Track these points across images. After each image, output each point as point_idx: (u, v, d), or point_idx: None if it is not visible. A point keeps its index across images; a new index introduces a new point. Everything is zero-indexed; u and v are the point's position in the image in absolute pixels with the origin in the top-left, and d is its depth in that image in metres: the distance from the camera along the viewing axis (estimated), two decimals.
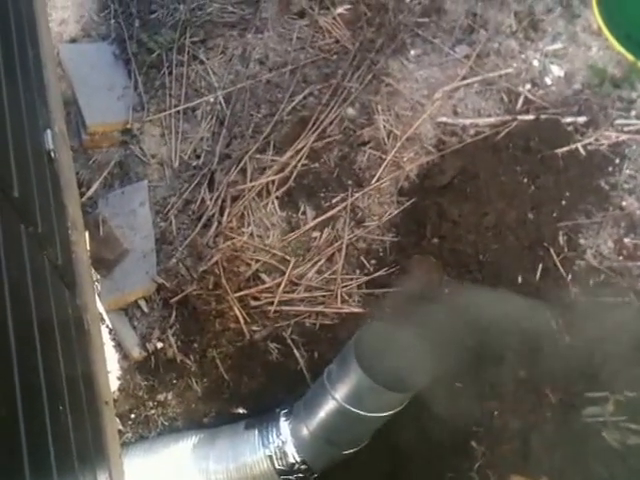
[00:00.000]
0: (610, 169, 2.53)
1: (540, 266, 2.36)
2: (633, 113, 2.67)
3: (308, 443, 2.07)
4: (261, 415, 2.19)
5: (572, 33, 2.91)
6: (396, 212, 2.57)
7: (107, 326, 2.45)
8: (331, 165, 2.68)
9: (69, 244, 2.00)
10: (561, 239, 2.41)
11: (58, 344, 1.55)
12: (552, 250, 2.39)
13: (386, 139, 2.72)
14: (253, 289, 2.43)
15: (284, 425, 2.10)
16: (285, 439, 2.08)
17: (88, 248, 2.41)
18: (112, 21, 3.12)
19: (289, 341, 2.36)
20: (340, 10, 3.03)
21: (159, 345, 2.37)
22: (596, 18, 2.91)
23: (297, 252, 2.53)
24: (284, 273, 2.46)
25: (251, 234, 2.56)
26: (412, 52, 2.94)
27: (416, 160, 2.66)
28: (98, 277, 2.49)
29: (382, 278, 2.44)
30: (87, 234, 2.48)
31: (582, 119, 2.64)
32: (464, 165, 2.59)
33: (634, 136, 2.59)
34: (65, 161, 2.17)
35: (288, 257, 2.50)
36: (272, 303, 2.40)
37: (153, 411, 2.31)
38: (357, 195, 2.60)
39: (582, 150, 2.57)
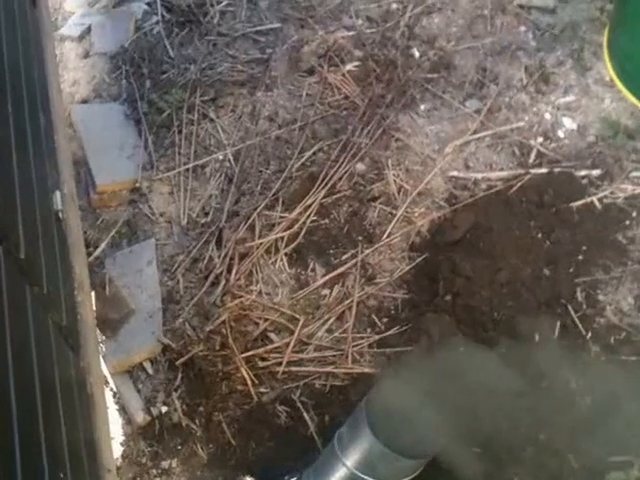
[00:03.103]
0: (627, 222, 2.56)
1: (558, 323, 2.37)
2: None
3: None
4: None
5: (584, 85, 3.00)
6: (408, 268, 2.61)
7: (111, 389, 2.48)
8: (341, 221, 2.75)
9: (75, 305, 2.06)
10: (579, 295, 2.43)
11: (60, 408, 1.58)
12: (570, 307, 2.40)
13: (397, 194, 2.79)
14: (261, 349, 2.46)
15: None
16: None
17: (94, 308, 2.47)
18: (123, 81, 3.28)
19: (298, 404, 2.37)
20: (349, 67, 3.17)
21: (164, 409, 2.38)
22: (608, 70, 3.01)
23: (306, 310, 2.57)
24: (293, 332, 2.49)
25: (259, 292, 2.60)
26: (422, 107, 3.04)
27: (427, 215, 2.72)
28: (103, 338, 2.54)
29: (394, 337, 2.46)
30: (93, 294, 2.55)
31: (596, 172, 2.69)
32: (477, 220, 2.64)
33: None
34: (73, 221, 2.26)
35: (297, 315, 2.54)
36: (280, 364, 2.42)
37: (157, 479, 2.31)
38: (367, 251, 2.65)
39: (597, 203, 2.61)
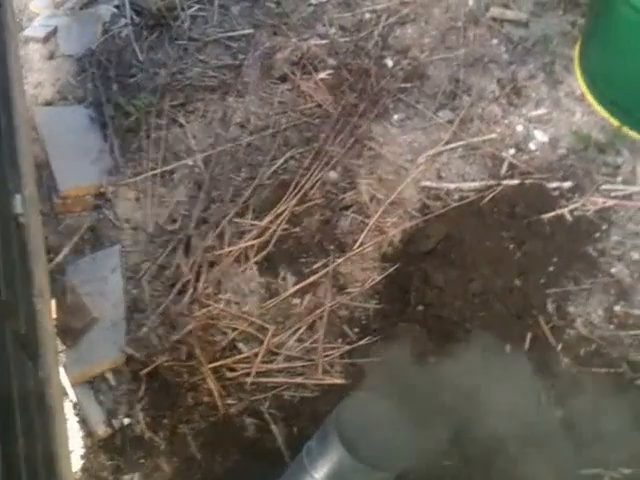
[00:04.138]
0: (597, 235, 2.61)
1: (529, 335, 2.40)
2: (619, 179, 2.78)
3: None
4: None
5: (555, 99, 3.07)
6: (379, 278, 2.62)
7: (71, 400, 2.42)
8: (312, 230, 2.75)
9: (34, 313, 2.01)
10: (550, 307, 2.46)
11: (17, 420, 1.54)
12: (541, 318, 2.43)
13: (369, 203, 2.80)
14: (229, 359, 2.44)
15: None
16: None
17: (54, 317, 2.42)
18: (89, 84, 3.24)
19: (266, 415, 2.34)
20: (322, 75, 3.19)
21: (126, 421, 2.34)
22: (579, 84, 3.08)
23: (276, 320, 2.55)
24: (262, 342, 2.47)
25: (228, 301, 2.58)
26: (395, 117, 3.07)
27: (400, 225, 2.74)
28: (63, 348, 2.48)
29: (365, 347, 2.45)
30: (54, 302, 2.49)
31: (567, 184, 2.75)
32: (449, 230, 2.66)
33: (621, 202, 2.69)
34: (34, 226, 2.21)
35: (267, 325, 2.52)
36: (249, 374, 2.40)
37: None
38: (339, 261, 2.65)
39: (568, 216, 2.66)
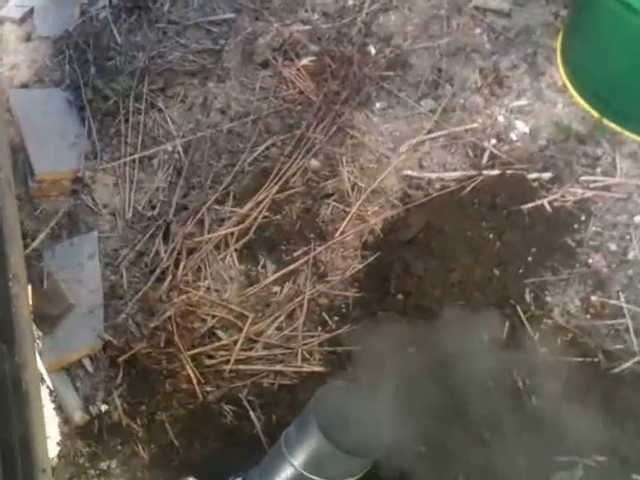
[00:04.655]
0: (576, 226, 2.66)
1: (507, 324, 2.44)
2: (598, 170, 2.83)
3: None
4: None
5: (537, 90, 3.10)
6: (360, 267, 2.64)
7: (47, 387, 2.42)
8: (293, 217, 2.76)
9: (9, 298, 2.01)
10: (528, 296, 2.51)
11: None
12: (519, 308, 2.47)
13: (350, 192, 2.82)
14: (208, 347, 2.45)
15: None
16: None
17: (30, 303, 2.41)
18: (67, 67, 3.21)
19: (245, 403, 2.36)
20: (304, 62, 3.19)
21: (103, 408, 2.34)
22: (561, 75, 3.12)
23: (256, 308, 2.57)
24: (241, 330, 2.49)
25: (207, 288, 2.59)
26: (377, 105, 3.09)
27: (381, 214, 2.76)
28: (40, 334, 2.47)
29: (345, 335, 2.48)
30: (30, 288, 2.48)
31: (547, 175, 2.79)
32: (430, 220, 2.69)
33: (600, 193, 2.74)
34: (9, 210, 2.20)
35: (246, 313, 2.53)
36: (228, 362, 2.41)
37: None
38: (320, 249, 2.67)
39: (548, 206, 2.70)
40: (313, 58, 3.20)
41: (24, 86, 3.19)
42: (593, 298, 2.51)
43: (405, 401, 2.01)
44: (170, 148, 2.95)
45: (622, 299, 2.50)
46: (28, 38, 3.36)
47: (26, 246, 2.62)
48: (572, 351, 2.40)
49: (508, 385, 2.27)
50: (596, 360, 2.38)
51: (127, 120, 3.01)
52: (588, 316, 2.48)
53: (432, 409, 2.10)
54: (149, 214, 2.78)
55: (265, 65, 3.20)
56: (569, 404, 2.18)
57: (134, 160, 2.91)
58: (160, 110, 3.06)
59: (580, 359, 2.38)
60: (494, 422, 2.15)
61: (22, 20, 3.42)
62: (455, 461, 2.12)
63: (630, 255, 2.59)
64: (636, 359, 2.37)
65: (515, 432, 2.14)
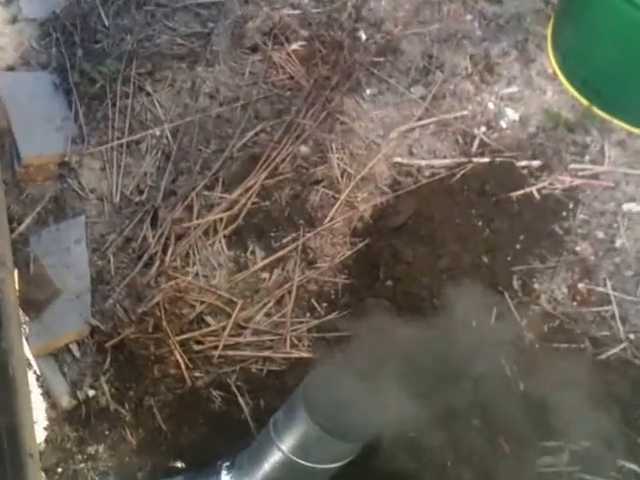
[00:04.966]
0: (564, 214, 2.68)
1: (495, 310, 2.46)
2: (587, 158, 2.85)
3: None
4: (201, 469, 2.19)
5: (527, 77, 3.11)
6: (349, 253, 2.65)
7: (34, 372, 2.42)
8: (282, 204, 2.76)
9: None
10: (515, 283, 2.53)
11: None
12: (507, 294, 2.50)
13: (340, 178, 2.82)
14: (196, 332, 2.46)
15: (226, 479, 2.10)
16: None
17: (17, 288, 2.41)
18: (53, 49, 3.18)
19: (234, 388, 2.38)
20: (294, 46, 3.17)
21: (91, 393, 2.35)
22: (551, 62, 3.13)
23: (245, 294, 2.58)
24: (230, 316, 2.49)
25: (196, 274, 2.59)
26: (367, 91, 3.09)
27: (370, 200, 2.77)
28: (26, 319, 2.47)
29: (334, 322, 2.50)
30: (16, 273, 2.47)
31: (536, 163, 2.81)
32: (419, 206, 2.70)
33: (588, 181, 2.76)
34: None
35: (235, 299, 2.54)
36: (216, 347, 2.42)
37: (83, 465, 2.27)
38: (309, 235, 2.68)
39: (536, 194, 2.72)
40: (303, 43, 3.19)
41: (10, 69, 3.16)
42: (580, 285, 2.54)
43: (393, 386, 2.03)
44: (158, 133, 2.94)
45: (609, 286, 2.53)
46: (14, 20, 3.32)
47: (12, 230, 2.61)
48: (559, 337, 2.43)
49: (495, 370, 2.30)
50: (582, 346, 2.41)
51: (114, 104, 2.99)
52: (575, 303, 2.51)
53: (420, 395, 2.13)
54: (137, 199, 2.78)
55: (255, 49, 3.18)
56: (556, 390, 2.21)
57: (122, 144, 2.89)
58: (148, 94, 3.04)
59: (567, 345, 2.41)
60: (481, 408, 2.18)
61: (8, 2, 3.37)
62: (442, 446, 2.15)
63: (617, 243, 2.62)
64: (622, 346, 2.41)
65: (503, 417, 2.17)
